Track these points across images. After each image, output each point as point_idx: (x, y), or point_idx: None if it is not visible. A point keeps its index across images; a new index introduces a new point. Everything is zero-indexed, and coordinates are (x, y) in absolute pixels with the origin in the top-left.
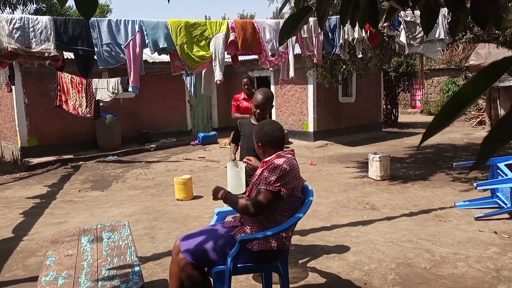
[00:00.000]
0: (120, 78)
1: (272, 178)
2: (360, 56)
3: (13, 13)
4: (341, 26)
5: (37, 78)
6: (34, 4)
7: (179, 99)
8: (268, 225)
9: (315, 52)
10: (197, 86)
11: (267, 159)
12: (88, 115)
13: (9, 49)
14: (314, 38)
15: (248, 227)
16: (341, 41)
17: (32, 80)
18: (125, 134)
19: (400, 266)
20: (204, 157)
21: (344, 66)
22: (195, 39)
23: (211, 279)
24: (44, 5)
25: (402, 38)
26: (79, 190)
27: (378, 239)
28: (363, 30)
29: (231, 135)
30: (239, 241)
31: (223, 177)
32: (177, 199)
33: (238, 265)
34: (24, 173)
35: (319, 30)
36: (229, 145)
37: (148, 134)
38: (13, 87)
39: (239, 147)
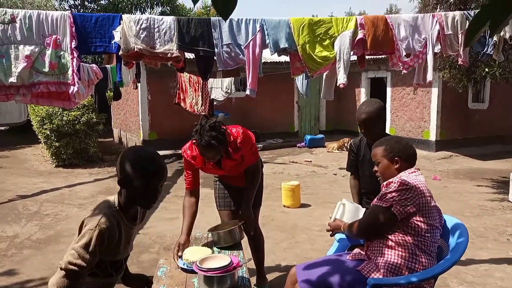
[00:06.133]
0: (233, 78)
1: (385, 192)
2: None
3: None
4: None
5: (160, 76)
6: (160, 7)
7: (287, 99)
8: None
9: (461, 52)
10: (309, 87)
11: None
12: (203, 113)
13: (135, 49)
14: (460, 35)
15: (387, 254)
16: (495, 38)
17: (155, 79)
18: None
19: None
20: (311, 161)
21: (486, 69)
22: (319, 38)
23: None
24: (168, 8)
25: None
26: None
27: None
28: None
29: (347, 149)
30: (371, 285)
31: (331, 184)
32: (284, 206)
33: None
34: None
35: (467, 25)
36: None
37: (256, 134)
38: (138, 84)
39: (360, 175)
